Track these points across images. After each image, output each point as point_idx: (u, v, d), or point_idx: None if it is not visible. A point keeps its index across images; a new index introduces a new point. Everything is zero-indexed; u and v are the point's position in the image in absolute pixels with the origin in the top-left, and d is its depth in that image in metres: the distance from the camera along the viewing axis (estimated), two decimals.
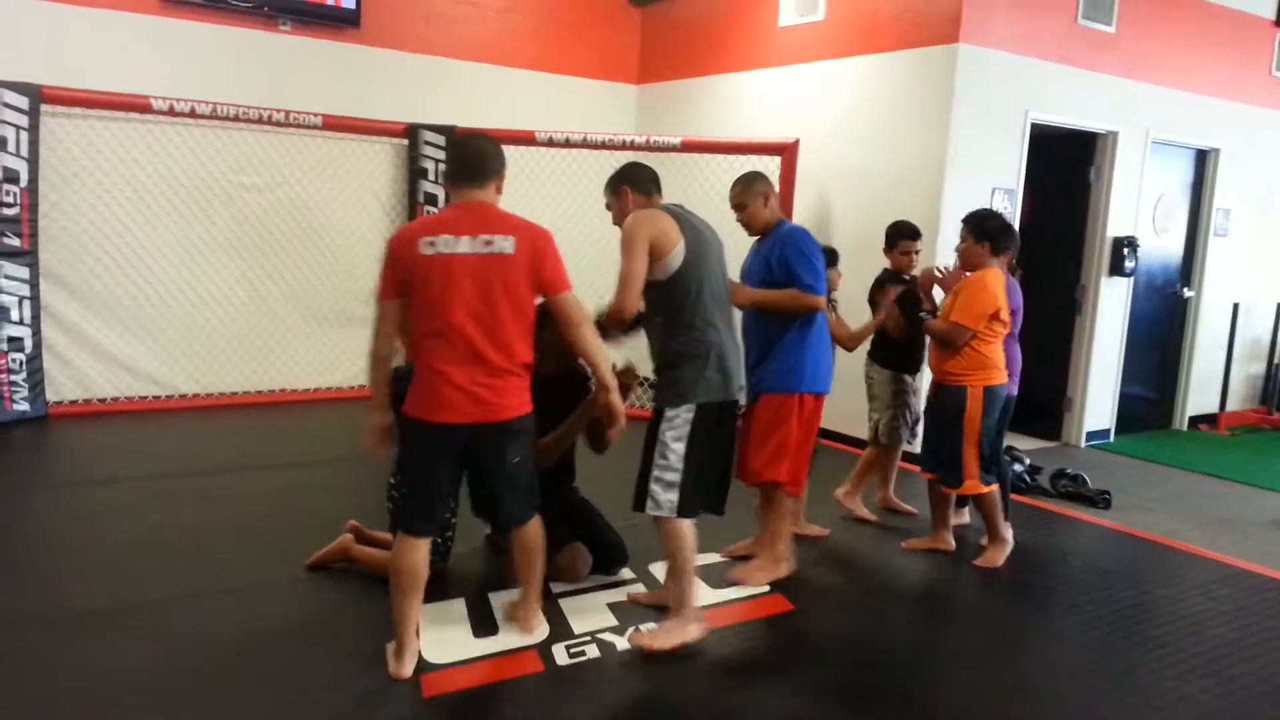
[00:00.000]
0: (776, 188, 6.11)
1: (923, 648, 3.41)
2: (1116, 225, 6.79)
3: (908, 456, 5.03)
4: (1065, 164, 6.78)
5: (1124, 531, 4.90)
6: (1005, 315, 4.02)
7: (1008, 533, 4.27)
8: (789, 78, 6.88)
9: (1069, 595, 3.98)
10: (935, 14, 5.87)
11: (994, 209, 4.15)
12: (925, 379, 4.51)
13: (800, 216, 6.34)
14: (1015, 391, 4.41)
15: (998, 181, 6.10)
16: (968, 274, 4.12)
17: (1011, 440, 6.39)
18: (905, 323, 4.43)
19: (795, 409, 3.73)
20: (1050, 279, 6.82)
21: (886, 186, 6.11)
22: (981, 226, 4.03)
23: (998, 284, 3.98)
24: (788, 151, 6.35)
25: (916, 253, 4.68)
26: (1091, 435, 7.03)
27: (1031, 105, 6.16)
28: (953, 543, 4.35)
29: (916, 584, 4.06)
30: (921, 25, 5.96)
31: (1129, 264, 6.78)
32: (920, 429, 4.72)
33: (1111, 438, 7.14)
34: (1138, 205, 6.92)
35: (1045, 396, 6.97)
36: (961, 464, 4.06)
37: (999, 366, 4.07)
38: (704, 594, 3.64)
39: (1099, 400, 7.04)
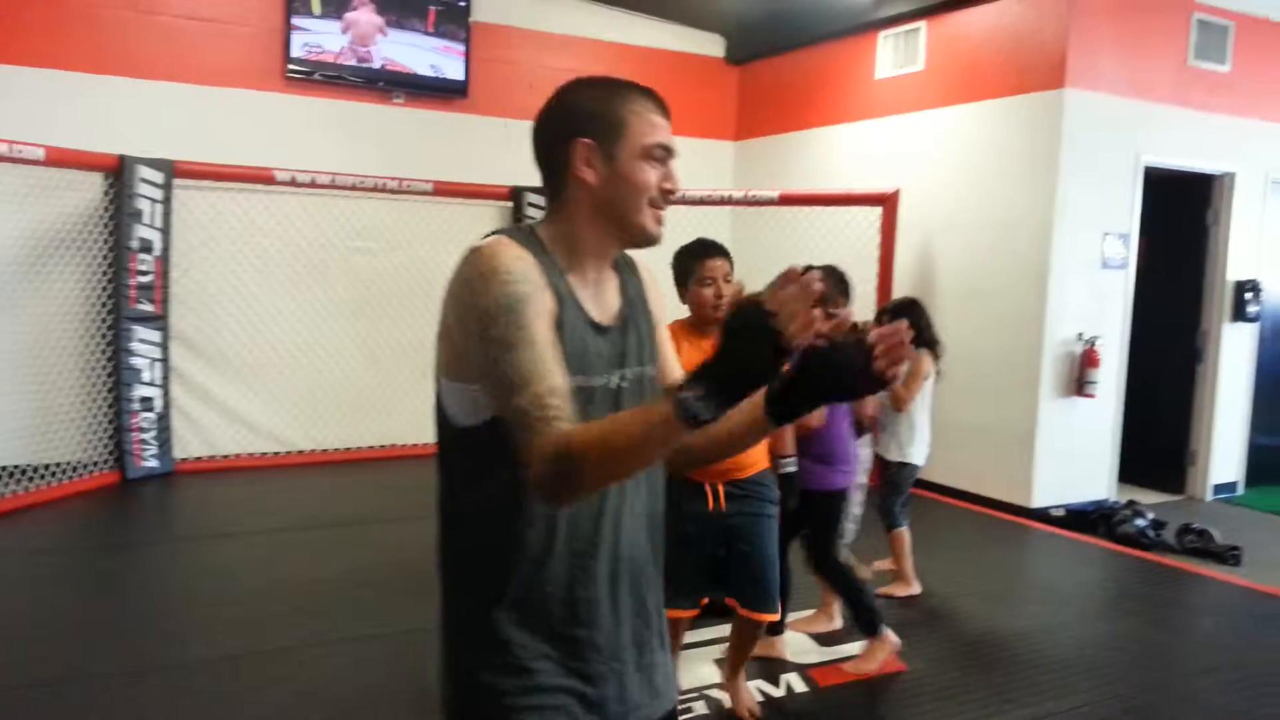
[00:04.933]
0: (878, 239, 6.17)
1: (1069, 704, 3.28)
2: (1237, 268, 6.52)
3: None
4: (1181, 207, 6.56)
5: (1259, 590, 4.63)
6: None
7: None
8: (888, 129, 6.86)
9: (1204, 657, 3.78)
10: (1040, 60, 5.80)
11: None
12: None
13: (902, 267, 6.28)
14: (849, 483, 3.66)
15: (1110, 226, 5.96)
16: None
17: (1133, 494, 6.15)
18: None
19: None
20: (1169, 326, 6.58)
21: (992, 234, 6.02)
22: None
23: None
24: (888, 202, 6.29)
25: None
26: (1219, 488, 6.68)
27: (1144, 148, 6.01)
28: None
29: (1039, 645, 3.92)
30: (1025, 71, 5.89)
31: (1252, 309, 6.49)
32: None
33: (1240, 490, 6.78)
34: (1259, 247, 6.64)
35: (1167, 448, 6.68)
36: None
37: None
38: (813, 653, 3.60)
39: (1226, 451, 6.69)
